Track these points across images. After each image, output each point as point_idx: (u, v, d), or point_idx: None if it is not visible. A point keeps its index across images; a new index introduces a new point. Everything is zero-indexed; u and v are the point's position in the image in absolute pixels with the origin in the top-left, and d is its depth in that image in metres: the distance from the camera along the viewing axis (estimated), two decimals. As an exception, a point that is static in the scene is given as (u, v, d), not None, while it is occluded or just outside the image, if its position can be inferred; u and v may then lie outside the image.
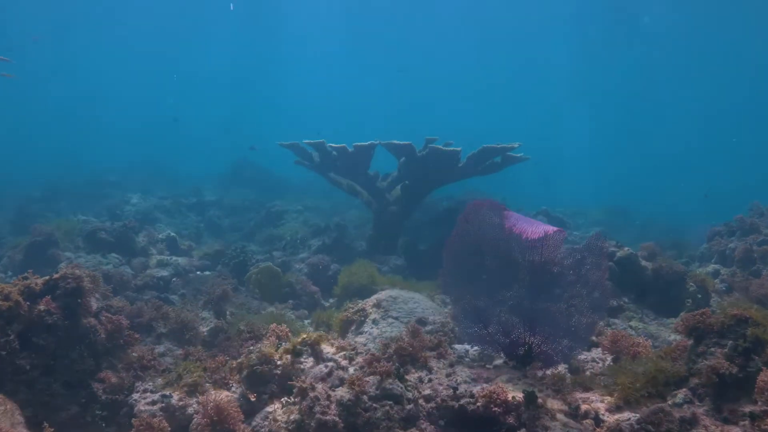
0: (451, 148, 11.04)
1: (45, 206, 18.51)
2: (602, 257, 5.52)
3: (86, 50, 55.55)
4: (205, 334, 7.37)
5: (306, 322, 8.92)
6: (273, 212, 18.27)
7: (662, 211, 26.09)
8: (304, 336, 5.33)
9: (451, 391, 4.46)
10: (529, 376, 4.74)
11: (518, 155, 11.97)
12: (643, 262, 8.18)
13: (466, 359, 6.25)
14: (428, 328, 6.80)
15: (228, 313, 8.24)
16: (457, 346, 6.58)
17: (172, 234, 13.44)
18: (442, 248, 5.74)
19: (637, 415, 4.22)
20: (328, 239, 12.61)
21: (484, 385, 4.49)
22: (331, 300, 10.16)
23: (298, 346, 5.23)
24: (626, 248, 8.34)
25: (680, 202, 30.78)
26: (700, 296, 7.60)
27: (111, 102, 62.77)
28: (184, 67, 63.06)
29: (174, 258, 11.66)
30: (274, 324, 5.77)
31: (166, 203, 18.88)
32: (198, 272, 11.34)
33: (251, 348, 5.34)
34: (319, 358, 5.22)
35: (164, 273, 10.46)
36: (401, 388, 4.47)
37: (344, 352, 5.24)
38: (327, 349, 5.35)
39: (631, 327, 7.28)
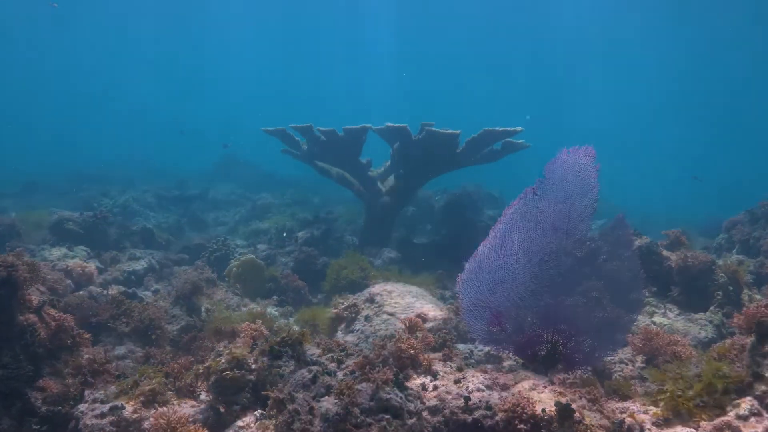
0: (450, 131, 10.19)
1: (18, 201, 17.50)
2: (625, 246, 4.92)
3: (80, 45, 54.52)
4: (175, 333, 6.50)
5: (291, 319, 8.08)
6: (259, 205, 17.43)
7: (656, 206, 25.37)
8: (284, 335, 4.48)
9: (462, 401, 3.63)
10: (555, 381, 3.89)
11: (519, 142, 11.11)
12: (665, 252, 7.39)
13: (471, 360, 5.44)
14: (429, 325, 5.98)
15: (204, 309, 7.37)
16: (460, 346, 5.77)
17: (149, 226, 12.53)
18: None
19: (694, 430, 3.41)
20: (317, 231, 11.73)
21: (504, 394, 3.65)
22: (319, 296, 9.32)
23: (276, 347, 4.37)
24: (645, 237, 7.57)
25: (669, 196, 30.24)
26: (731, 288, 6.81)
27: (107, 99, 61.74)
28: (185, 62, 62.18)
29: (149, 252, 10.77)
30: (246, 322, 4.91)
31: (147, 196, 17.91)
32: (175, 267, 10.46)
33: (221, 349, 4.48)
34: (301, 360, 4.36)
35: (136, 267, 9.59)
36: (401, 398, 3.63)
37: (332, 354, 4.39)
38: (311, 350, 4.50)
39: (654, 323, 6.49)
